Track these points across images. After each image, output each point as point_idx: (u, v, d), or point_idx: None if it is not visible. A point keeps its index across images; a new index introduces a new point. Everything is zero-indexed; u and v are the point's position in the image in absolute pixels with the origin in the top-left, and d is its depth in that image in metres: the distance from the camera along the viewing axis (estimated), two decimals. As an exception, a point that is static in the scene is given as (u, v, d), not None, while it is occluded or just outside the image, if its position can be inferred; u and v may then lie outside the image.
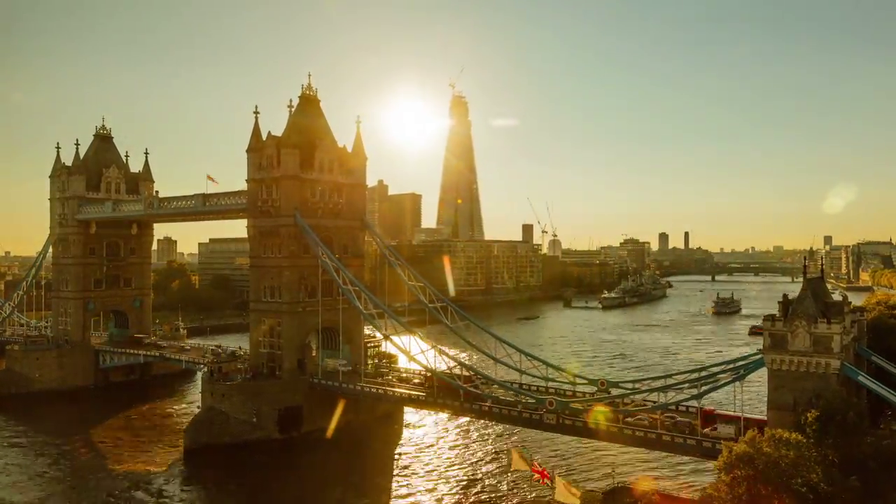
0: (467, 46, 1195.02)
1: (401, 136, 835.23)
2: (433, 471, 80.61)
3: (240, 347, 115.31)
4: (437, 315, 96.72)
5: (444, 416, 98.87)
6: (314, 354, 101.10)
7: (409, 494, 73.04)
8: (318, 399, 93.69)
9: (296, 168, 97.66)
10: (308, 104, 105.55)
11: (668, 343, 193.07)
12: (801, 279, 68.15)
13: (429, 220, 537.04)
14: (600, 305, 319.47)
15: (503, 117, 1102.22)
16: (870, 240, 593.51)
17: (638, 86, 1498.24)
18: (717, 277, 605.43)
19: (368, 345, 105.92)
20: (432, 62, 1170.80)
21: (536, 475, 63.79)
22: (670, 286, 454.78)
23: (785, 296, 64.98)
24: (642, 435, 67.35)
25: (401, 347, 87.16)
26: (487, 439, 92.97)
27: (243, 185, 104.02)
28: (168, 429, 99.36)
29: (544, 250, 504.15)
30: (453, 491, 73.60)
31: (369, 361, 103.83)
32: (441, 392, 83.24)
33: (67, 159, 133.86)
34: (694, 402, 67.84)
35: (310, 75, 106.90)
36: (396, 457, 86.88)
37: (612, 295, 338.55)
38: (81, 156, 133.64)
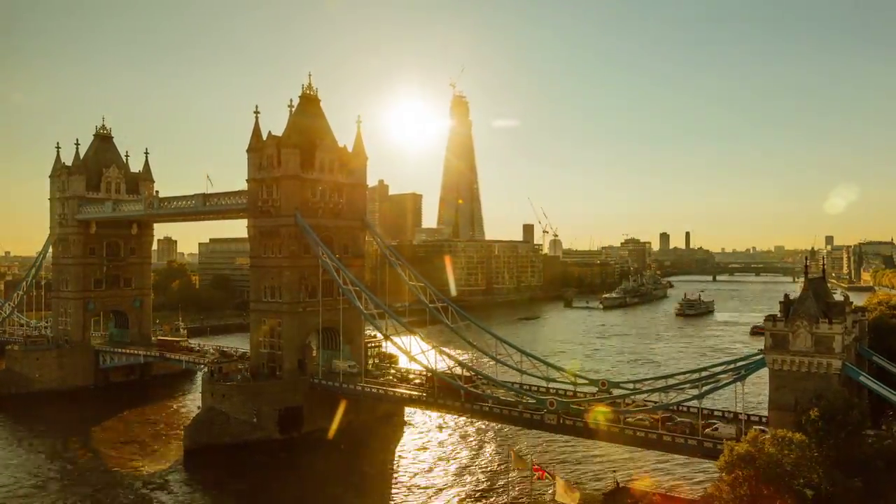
0: (467, 46, 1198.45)
1: (401, 136, 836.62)
2: (434, 471, 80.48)
3: (236, 350, 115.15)
4: (437, 315, 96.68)
5: (444, 416, 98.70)
6: (315, 355, 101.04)
7: (409, 495, 72.83)
8: (319, 399, 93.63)
9: (296, 168, 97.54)
10: (308, 104, 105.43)
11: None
12: (802, 279, 68.01)
13: (429, 220, 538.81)
14: (601, 306, 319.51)
15: (504, 117, 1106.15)
16: (871, 240, 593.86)
17: (638, 86, 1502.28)
18: (718, 277, 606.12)
19: (369, 345, 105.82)
20: (432, 62, 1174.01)
21: (537, 475, 63.74)
22: (671, 286, 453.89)
23: (786, 296, 64.94)
24: (643, 435, 67.36)
25: (401, 347, 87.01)
26: (488, 440, 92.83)
27: (243, 185, 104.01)
28: (168, 429, 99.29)
29: (545, 250, 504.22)
30: (454, 491, 73.43)
31: (370, 361, 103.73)
32: (442, 392, 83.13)
33: (67, 159, 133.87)
34: (694, 403, 67.76)
35: (310, 75, 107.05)
36: (397, 457, 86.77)
37: (613, 295, 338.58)
38: (81, 156, 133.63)
